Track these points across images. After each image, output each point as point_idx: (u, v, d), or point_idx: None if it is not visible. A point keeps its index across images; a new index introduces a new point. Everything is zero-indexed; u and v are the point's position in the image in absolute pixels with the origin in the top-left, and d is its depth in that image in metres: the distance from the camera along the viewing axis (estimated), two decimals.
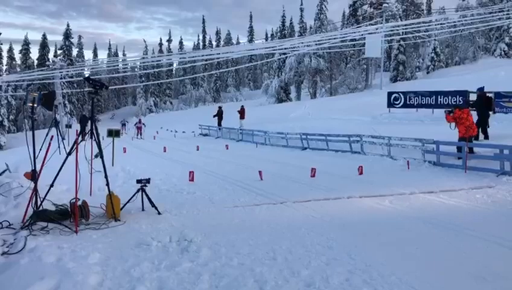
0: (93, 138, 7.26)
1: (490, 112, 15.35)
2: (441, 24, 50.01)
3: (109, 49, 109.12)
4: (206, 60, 58.53)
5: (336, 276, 4.64)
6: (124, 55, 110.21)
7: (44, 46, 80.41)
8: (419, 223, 6.79)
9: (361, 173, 11.73)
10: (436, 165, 12.67)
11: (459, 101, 19.20)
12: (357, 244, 5.74)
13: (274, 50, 50.97)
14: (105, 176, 7.22)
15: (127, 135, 35.45)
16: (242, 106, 30.83)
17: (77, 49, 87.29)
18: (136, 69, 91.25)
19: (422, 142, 13.37)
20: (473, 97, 18.16)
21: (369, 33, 40.19)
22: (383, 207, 7.94)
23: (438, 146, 12.82)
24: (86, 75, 48.92)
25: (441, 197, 8.65)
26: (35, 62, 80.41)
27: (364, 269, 4.84)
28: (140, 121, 35.94)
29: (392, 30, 44.19)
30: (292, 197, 8.72)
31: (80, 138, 7.06)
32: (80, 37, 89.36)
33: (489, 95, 15.85)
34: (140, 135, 33.70)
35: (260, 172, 11.25)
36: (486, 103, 14.74)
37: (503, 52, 48.49)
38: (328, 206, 8.01)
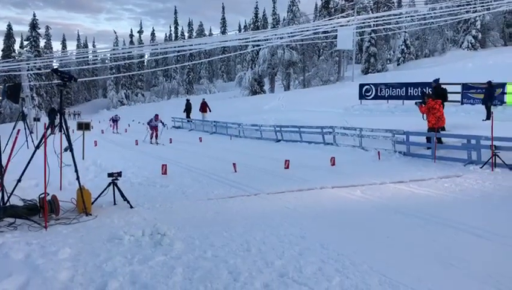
0: (62, 131, 7.10)
1: (445, 103, 15.75)
2: (411, 17, 50.87)
3: (78, 40, 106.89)
4: (178, 52, 57.94)
5: (309, 265, 4.69)
6: (93, 46, 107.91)
7: (9, 36, 77.92)
8: (390, 212, 6.93)
9: (333, 164, 11.87)
10: (406, 155, 12.93)
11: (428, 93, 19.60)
12: (330, 234, 5.82)
13: (247, 42, 50.86)
14: (76, 170, 7.08)
15: (118, 134, 28.02)
16: (203, 99, 31.16)
17: (45, 40, 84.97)
18: (106, 61, 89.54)
19: (392, 133, 13.61)
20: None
21: (341, 25, 40.54)
22: (354, 197, 8.07)
23: (408, 137, 13.08)
24: (55, 67, 47.69)
25: (410, 187, 8.85)
26: (0, 53, 77.80)
27: (336, 258, 4.91)
28: (157, 118, 21.76)
29: (363, 22, 44.71)
30: (266, 188, 8.76)
31: (49, 132, 6.89)
32: (47, 27, 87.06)
33: (444, 86, 16.27)
34: (156, 137, 21.13)
35: (234, 164, 11.24)
36: (441, 94, 15.14)
37: (470, 45, 49.68)
38: (301, 197, 8.08)
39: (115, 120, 31.09)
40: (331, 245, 5.32)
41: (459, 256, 4.95)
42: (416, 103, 14.11)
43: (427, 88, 19.82)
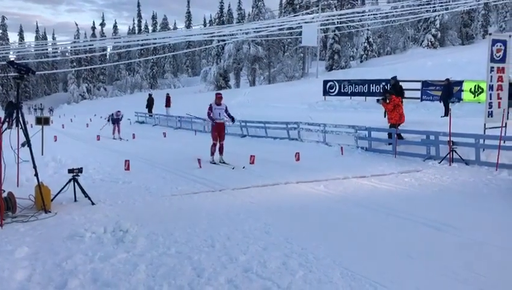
0: (20, 126, 6.84)
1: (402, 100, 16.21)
2: (373, 14, 51.97)
3: (37, 32, 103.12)
4: (142, 45, 56.95)
5: (273, 260, 4.73)
6: (53, 38, 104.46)
7: None
8: (352, 207, 7.07)
9: (298, 159, 11.98)
10: (368, 150, 13.20)
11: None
12: (294, 228, 5.88)
13: (212, 36, 50.55)
14: (34, 166, 6.84)
15: (125, 141, 18.65)
16: (167, 94, 30.98)
17: (0, 31, 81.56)
18: (67, 54, 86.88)
19: (355, 129, 13.86)
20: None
21: (305, 22, 40.90)
22: (318, 192, 8.18)
23: (369, 133, 13.36)
24: (11, 59, 45.91)
25: (372, 181, 9.05)
26: None
27: (300, 252, 4.97)
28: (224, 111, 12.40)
29: (327, 20, 45.29)
30: (231, 184, 8.74)
31: (5, 126, 6.63)
32: (3, 17, 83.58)
33: (401, 83, 16.74)
34: (221, 151, 11.97)
35: (199, 160, 11.17)
36: (401, 91, 15.57)
37: (430, 43, 51.16)
38: (266, 192, 8.12)
39: (116, 119, 19.99)
40: (295, 240, 5.37)
41: (418, 249, 5.11)
42: (378, 101, 14.39)
43: (388, 85, 20.29)
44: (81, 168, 7.60)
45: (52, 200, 6.92)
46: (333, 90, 24.79)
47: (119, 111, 20.80)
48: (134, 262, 4.69)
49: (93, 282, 4.25)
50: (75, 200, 7.28)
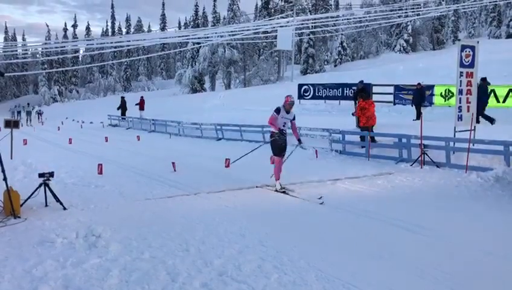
0: None
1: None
2: (347, 19, 52.75)
3: (6, 32, 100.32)
4: (115, 47, 56.21)
5: (248, 263, 4.73)
6: (23, 39, 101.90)
7: None
8: (326, 209, 7.14)
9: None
10: (342, 153, 13.34)
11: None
12: (269, 231, 5.90)
13: (187, 39, 50.32)
14: (2, 170, 6.67)
15: None
16: (141, 97, 30.66)
17: None
18: (38, 55, 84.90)
19: (329, 132, 13.99)
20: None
21: (280, 26, 41.16)
22: (292, 194, 8.22)
23: (343, 136, 13.51)
24: None
25: (346, 184, 9.17)
26: None
27: (275, 255, 4.99)
28: None
29: (302, 24, 45.72)
30: (206, 188, 8.71)
31: None
32: None
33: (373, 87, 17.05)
34: None
35: (173, 163, 11.08)
36: (368, 95, 15.82)
37: (402, 48, 52.22)
38: (241, 196, 8.13)
39: None
40: (270, 242, 5.39)
41: (389, 249, 5.20)
42: (353, 114, 14.63)
43: (354, 89, 20.63)
44: (53, 172, 7.44)
45: (21, 205, 6.76)
46: (308, 93, 24.99)
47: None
48: (107, 267, 4.62)
49: (64, 288, 4.17)
50: (46, 205, 7.12)
